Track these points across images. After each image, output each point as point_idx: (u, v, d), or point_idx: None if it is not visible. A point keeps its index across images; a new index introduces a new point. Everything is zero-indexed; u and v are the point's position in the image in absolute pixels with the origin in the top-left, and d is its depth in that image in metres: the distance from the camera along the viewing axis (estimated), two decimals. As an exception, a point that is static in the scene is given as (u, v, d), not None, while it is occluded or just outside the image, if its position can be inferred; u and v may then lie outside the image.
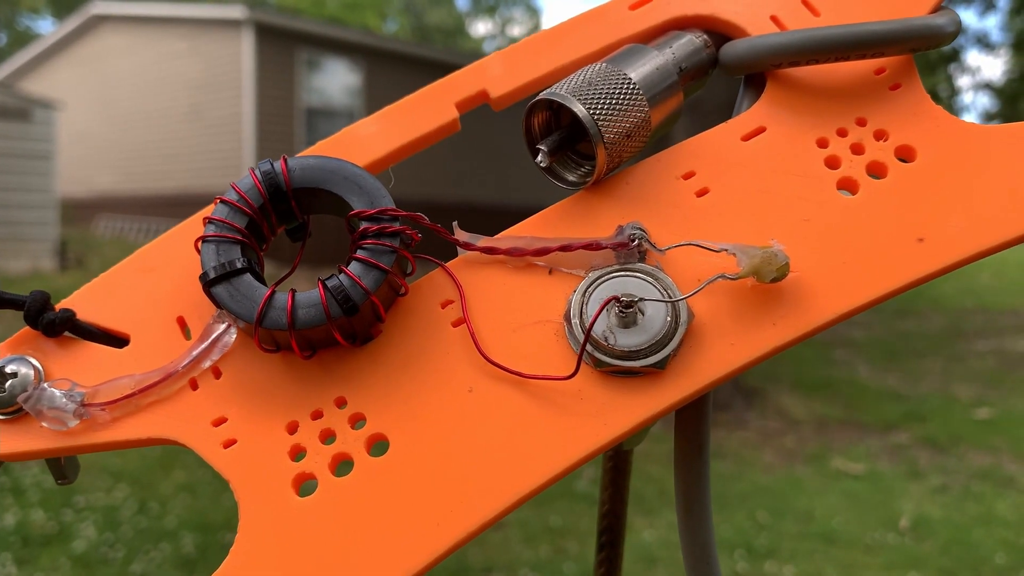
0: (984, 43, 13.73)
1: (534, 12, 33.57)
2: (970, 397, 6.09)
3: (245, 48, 11.16)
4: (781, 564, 3.41)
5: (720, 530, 3.70)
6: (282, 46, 11.44)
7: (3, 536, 3.27)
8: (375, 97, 12.25)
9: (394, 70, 12.49)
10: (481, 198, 12.85)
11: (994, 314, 10.16)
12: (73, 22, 14.23)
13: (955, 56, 13.79)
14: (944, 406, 5.82)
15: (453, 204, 11.41)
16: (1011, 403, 5.91)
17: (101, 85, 13.77)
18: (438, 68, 12.87)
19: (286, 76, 11.52)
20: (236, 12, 11.19)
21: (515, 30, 32.72)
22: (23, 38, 24.19)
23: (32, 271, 8.81)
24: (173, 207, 12.28)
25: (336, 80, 12.23)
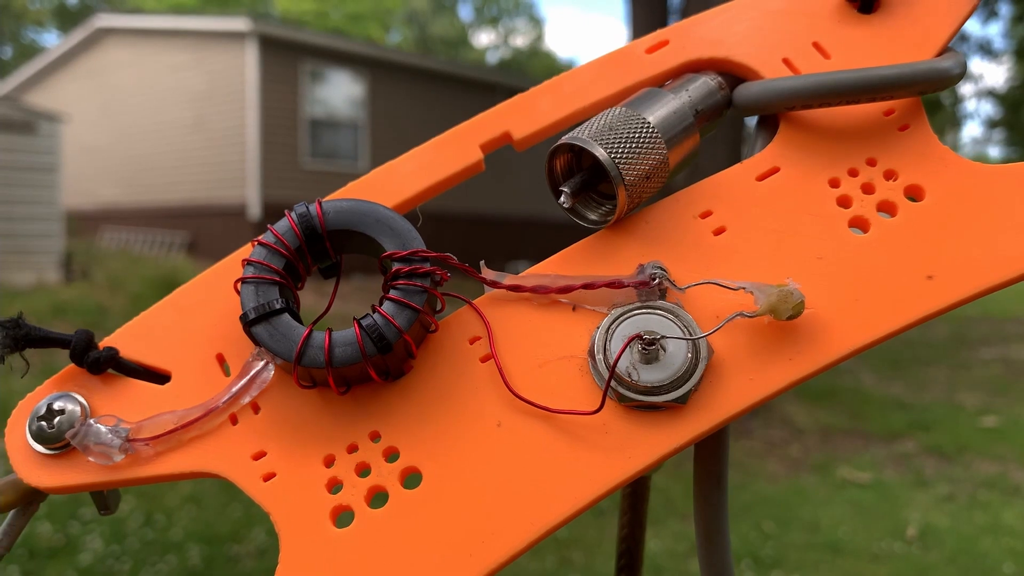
0: (987, 51, 13.75)
1: (537, 23, 33.69)
2: (976, 405, 6.09)
3: (249, 60, 11.21)
4: (787, 574, 3.41)
5: (726, 540, 3.70)
6: (286, 58, 11.49)
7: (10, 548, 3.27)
8: (378, 108, 12.30)
9: (397, 81, 12.54)
10: (488, 209, 12.88)
11: (999, 322, 10.17)
12: (78, 35, 14.31)
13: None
14: (950, 414, 5.82)
15: (461, 215, 11.45)
16: (1017, 411, 5.92)
17: (106, 98, 13.83)
18: (441, 79, 12.92)
19: (290, 87, 11.57)
20: (240, 24, 11.25)
21: (518, 40, 32.80)
22: (28, 51, 24.30)
23: (37, 283, 8.83)
24: (178, 218, 12.33)
25: (340, 91, 12.28)
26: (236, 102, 11.47)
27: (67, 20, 24.50)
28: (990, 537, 3.80)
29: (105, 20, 13.75)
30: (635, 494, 0.60)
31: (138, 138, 13.28)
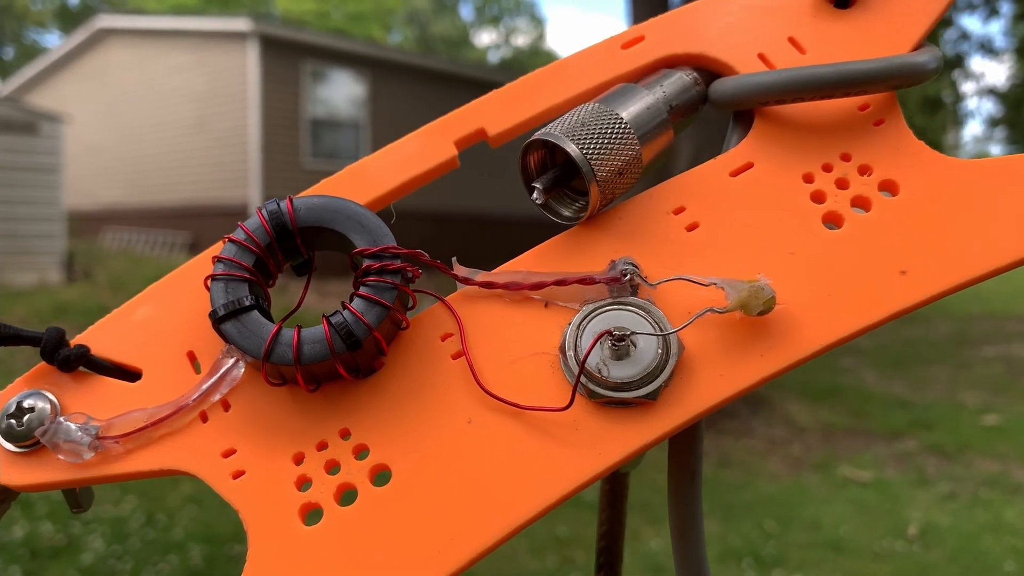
0: (988, 49, 13.73)
1: (538, 22, 33.68)
2: (977, 404, 6.08)
3: (250, 60, 11.22)
4: (789, 573, 3.41)
5: (727, 539, 3.70)
6: (287, 58, 11.50)
7: (12, 549, 3.28)
8: (380, 108, 12.30)
9: (399, 81, 12.54)
10: (484, 209, 12.88)
11: (1001, 320, 10.15)
12: (80, 36, 14.33)
13: (959, 62, 13.79)
14: (951, 413, 5.81)
15: (457, 215, 11.44)
16: (1018, 410, 5.91)
17: (108, 98, 13.86)
18: (442, 79, 12.92)
19: (291, 88, 11.58)
20: (241, 24, 11.26)
21: (519, 40, 32.79)
22: (30, 52, 24.34)
23: (39, 284, 8.85)
24: (179, 219, 12.34)
25: (341, 91, 12.28)
26: (237, 102, 11.48)
27: (69, 21, 24.54)
28: (991, 536, 3.79)
29: (107, 21, 13.77)
30: (613, 491, 0.59)
31: (140, 138, 13.30)
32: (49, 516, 3.59)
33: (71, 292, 8.27)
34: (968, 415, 5.79)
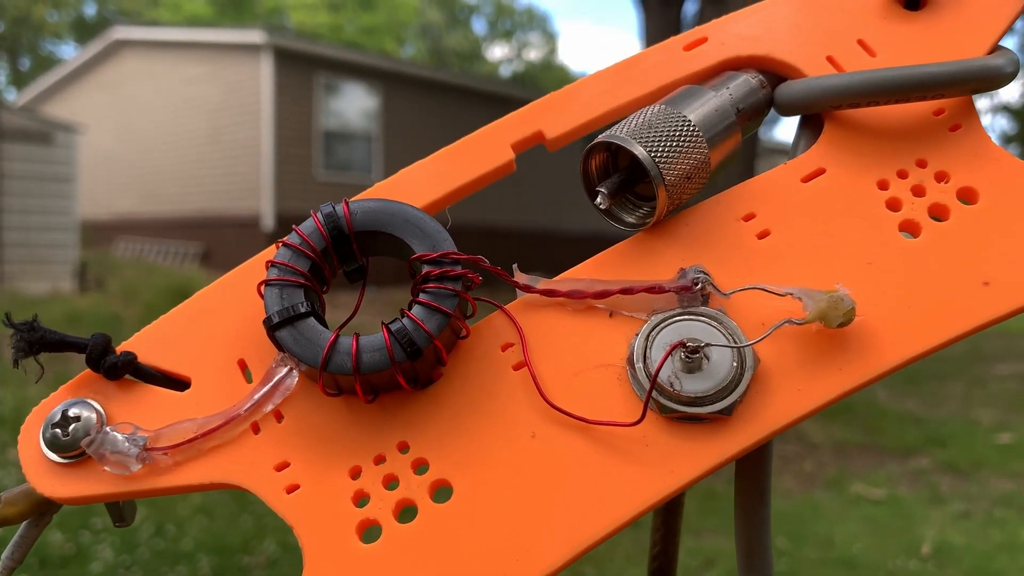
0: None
1: (551, 36, 33.75)
2: (992, 421, 6.03)
3: (264, 72, 11.26)
4: (803, 591, 3.37)
5: (741, 556, 3.66)
6: (301, 70, 11.54)
7: (22, 558, 3.27)
8: (392, 120, 12.33)
9: (411, 94, 12.57)
10: (501, 221, 12.87)
11: (1015, 337, 10.08)
12: (95, 47, 14.42)
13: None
14: (965, 430, 5.76)
15: (474, 226, 11.43)
16: (1034, 428, 5.85)
17: (122, 109, 13.93)
18: (455, 92, 12.95)
19: (304, 100, 11.61)
20: (255, 37, 11.31)
21: (532, 54, 32.89)
22: (46, 63, 24.51)
23: (52, 293, 8.87)
24: (192, 229, 12.38)
25: (354, 104, 12.32)
26: (251, 114, 11.52)
27: (85, 32, 24.71)
28: (1006, 555, 3.74)
29: (122, 32, 13.85)
30: (668, 509, 0.57)
31: (153, 149, 13.36)
32: (59, 525, 3.57)
33: (84, 301, 8.28)
34: (982, 432, 5.73)
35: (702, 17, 7.61)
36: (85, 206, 11.79)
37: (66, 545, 3.42)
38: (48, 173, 9.54)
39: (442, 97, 12.84)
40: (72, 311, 7.45)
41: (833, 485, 4.70)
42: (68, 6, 26.20)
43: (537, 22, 32.67)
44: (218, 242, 11.92)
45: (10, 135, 9.15)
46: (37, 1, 24.05)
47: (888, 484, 4.72)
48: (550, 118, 0.51)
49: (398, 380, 0.42)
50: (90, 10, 27.54)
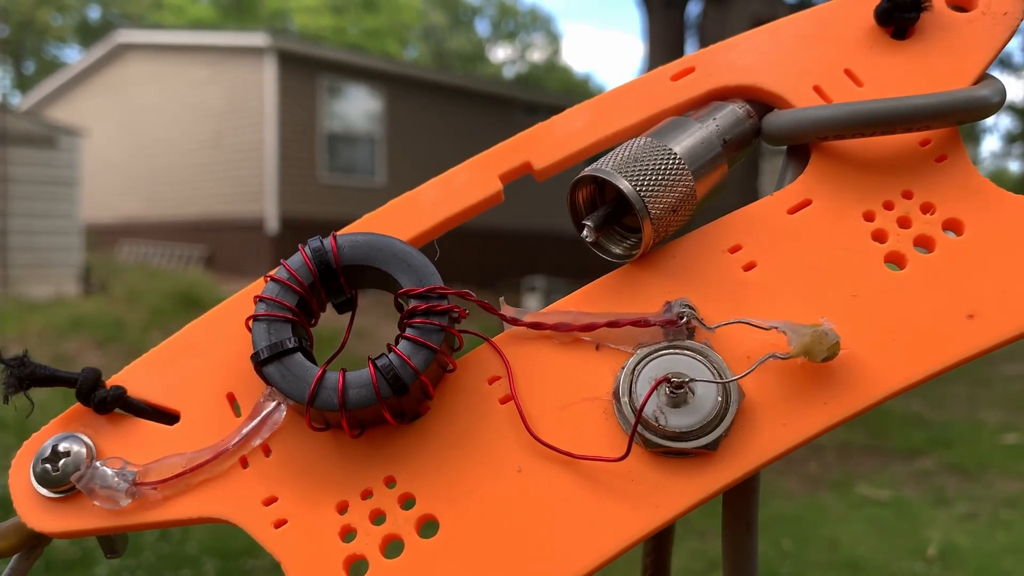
0: (1006, 64, 13.67)
1: (554, 38, 33.73)
2: (997, 422, 6.01)
3: (268, 75, 11.28)
4: (807, 594, 3.37)
5: (745, 560, 3.66)
6: (304, 73, 11.55)
7: (28, 564, 3.28)
8: (396, 123, 12.34)
9: (415, 96, 12.58)
10: (503, 224, 12.87)
11: (1021, 339, 10.04)
12: (99, 51, 14.45)
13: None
14: (971, 431, 5.74)
15: (475, 230, 11.43)
16: (1040, 429, 5.84)
17: (126, 112, 13.96)
18: (458, 94, 12.94)
19: (308, 103, 11.62)
20: (259, 40, 11.32)
21: (535, 55, 32.87)
22: (50, 67, 24.56)
23: (56, 296, 8.89)
24: (196, 232, 12.40)
25: (357, 106, 12.33)
26: (254, 117, 11.53)
27: (88, 36, 24.76)
28: (1013, 557, 3.73)
29: (126, 36, 13.87)
30: (660, 533, 0.57)
31: (157, 152, 13.38)
32: (65, 531, 3.58)
33: (88, 305, 8.29)
34: (988, 433, 5.72)
35: (705, 19, 7.59)
36: (89, 210, 11.82)
37: (71, 549, 3.43)
38: (52, 177, 9.57)
39: (445, 99, 12.85)
40: (76, 315, 7.46)
41: (838, 487, 4.69)
42: (72, 10, 26.26)
43: (541, 23, 32.67)
44: (222, 245, 11.94)
45: (14, 139, 9.18)
46: (41, 5, 24.11)
47: (893, 486, 4.71)
48: (538, 149, 0.51)
49: (384, 415, 0.43)
50: (94, 14, 27.61)
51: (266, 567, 3.39)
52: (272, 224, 11.17)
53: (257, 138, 11.48)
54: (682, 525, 3.86)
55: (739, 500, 0.47)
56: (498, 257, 11.96)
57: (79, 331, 7.01)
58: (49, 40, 26.83)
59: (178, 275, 10.71)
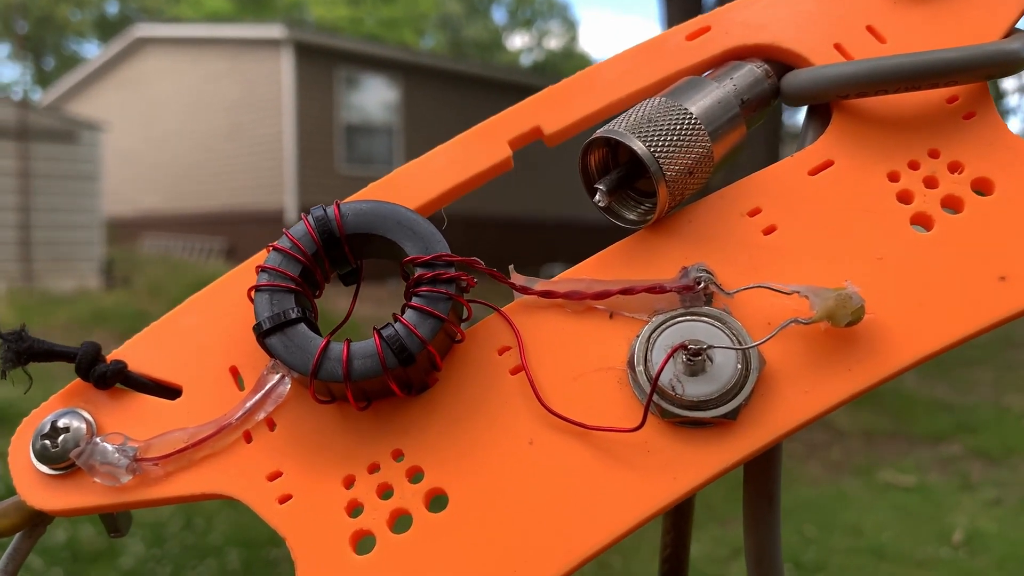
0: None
1: (571, 25, 33.59)
2: (1023, 407, 5.95)
3: (285, 67, 11.29)
4: (831, 580, 3.34)
5: (768, 546, 3.63)
6: (321, 64, 11.55)
7: (54, 552, 3.31)
8: (413, 112, 12.33)
9: (432, 85, 12.56)
10: (521, 211, 12.84)
11: (1046, 321, 9.92)
12: (117, 45, 14.52)
13: None
14: (996, 417, 5.68)
15: (494, 218, 11.42)
16: (1066, 413, 5.77)
17: (145, 106, 14.02)
18: (475, 83, 12.92)
19: (325, 94, 11.63)
20: (276, 32, 11.33)
21: (552, 43, 32.75)
22: (70, 62, 24.72)
23: (78, 290, 8.95)
24: (216, 225, 12.46)
25: (374, 97, 12.32)
26: (272, 109, 11.56)
27: (107, 31, 24.87)
28: (1040, 542, 3.69)
29: (143, 30, 13.94)
30: (679, 511, 0.56)
31: (177, 146, 13.44)
32: (90, 520, 3.61)
33: (110, 298, 8.35)
34: (1013, 418, 5.66)
35: (721, 4, 7.52)
36: (110, 204, 11.90)
37: (97, 540, 3.46)
38: (73, 171, 9.64)
39: (463, 88, 12.81)
40: (98, 308, 7.52)
41: (861, 473, 4.65)
42: (91, 5, 26.41)
43: (557, 10, 32.51)
44: (242, 237, 11.99)
45: (36, 134, 9.24)
46: (60, 1, 24.26)
47: (918, 471, 4.67)
48: (548, 113, 0.49)
49: (391, 387, 0.41)
50: (112, 8, 27.74)
51: (289, 556, 3.40)
52: (291, 216, 11.19)
53: (275, 130, 11.51)
54: (704, 511, 3.84)
55: (760, 473, 0.46)
56: (516, 245, 11.91)
57: (102, 324, 7.06)
58: (68, 36, 27.00)
59: (199, 267, 10.77)
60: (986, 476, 4.59)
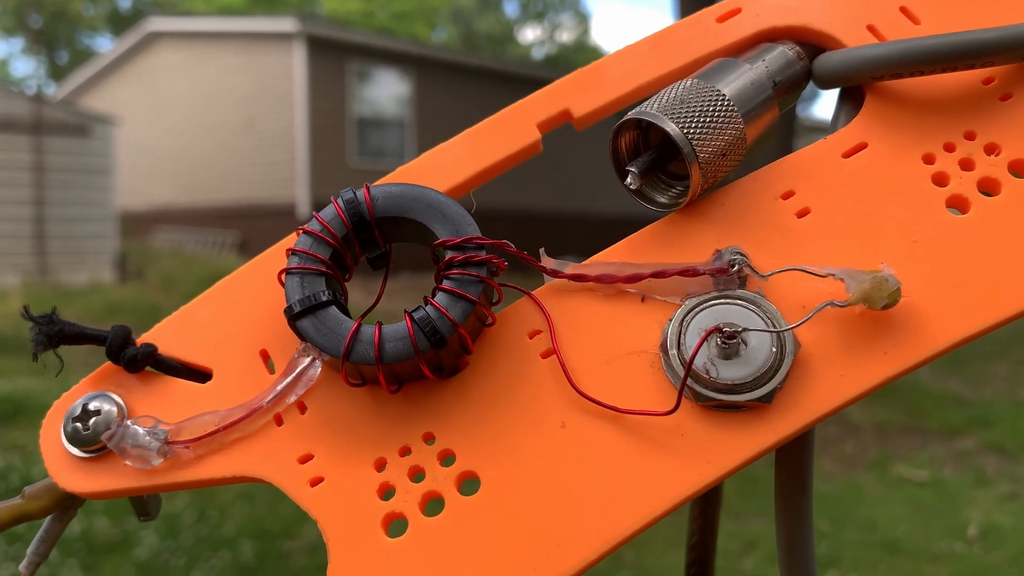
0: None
1: (583, 18, 33.48)
2: (1039, 402, 5.92)
3: (297, 61, 11.30)
4: (844, 574, 3.33)
5: (782, 540, 3.62)
6: (333, 58, 11.56)
7: (69, 543, 3.33)
8: (425, 106, 12.32)
9: (443, 79, 12.55)
10: (535, 205, 12.83)
11: (1061, 315, 9.85)
12: (130, 39, 14.56)
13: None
14: (1011, 411, 5.65)
15: (507, 211, 11.40)
16: (1082, 407, 5.73)
17: (158, 100, 14.07)
18: (487, 76, 12.91)
19: (337, 87, 11.64)
20: (288, 25, 11.35)
21: (564, 35, 32.67)
22: (83, 56, 24.80)
23: (92, 283, 9.00)
24: (228, 219, 12.50)
25: (386, 90, 12.33)
26: (284, 102, 11.58)
27: (120, 25, 24.95)
28: (1056, 538, 3.67)
29: (156, 24, 13.98)
30: (706, 499, 0.56)
31: (189, 139, 13.48)
32: (105, 511, 3.63)
33: (123, 291, 8.39)
34: (1029, 413, 5.63)
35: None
36: (123, 197, 11.96)
37: (112, 531, 3.48)
38: (87, 165, 9.68)
39: (474, 81, 12.80)
40: (112, 302, 7.56)
41: (875, 467, 4.64)
42: (104, -1, 26.50)
43: (569, 3, 32.40)
44: (255, 231, 12.02)
45: (50, 128, 9.29)
46: (73, -5, 24.34)
47: (932, 466, 4.65)
48: (577, 96, 0.49)
49: (422, 370, 0.41)
50: (125, 2, 27.83)
51: (303, 548, 3.42)
52: (304, 209, 11.22)
53: (287, 124, 11.53)
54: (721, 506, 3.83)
55: (793, 457, 0.45)
56: (532, 239, 11.88)
57: (116, 317, 7.10)
58: (81, 30, 27.10)
59: (212, 261, 10.80)
60: (1001, 471, 4.57)
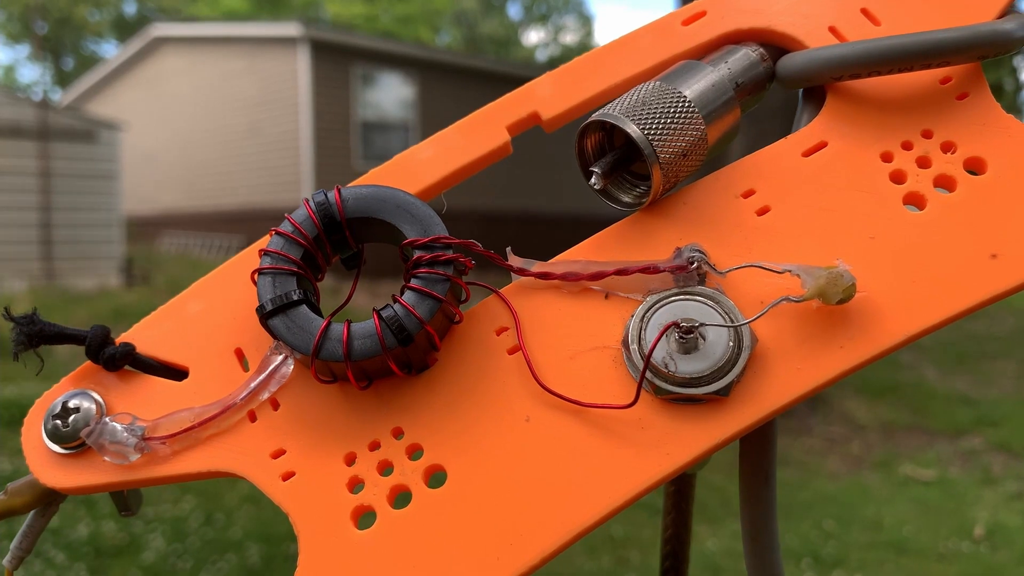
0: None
1: (586, 20, 33.50)
2: (1045, 401, 5.90)
3: (301, 65, 11.33)
4: (850, 574, 3.33)
5: (786, 539, 3.63)
6: (337, 62, 11.58)
7: (77, 547, 3.35)
8: (429, 109, 12.34)
9: (448, 82, 12.56)
10: (538, 207, 12.84)
11: (1068, 313, 9.83)
12: (135, 45, 14.61)
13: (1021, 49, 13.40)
14: (1018, 410, 5.64)
15: (508, 214, 11.42)
16: (1088, 406, 5.71)
17: (163, 105, 14.11)
18: (491, 79, 12.92)
19: (342, 91, 11.66)
20: (292, 29, 11.37)
21: (568, 38, 32.67)
22: (88, 62, 24.91)
23: (99, 288, 9.04)
24: (234, 223, 12.52)
25: (391, 94, 12.34)
26: (289, 107, 11.60)
27: (125, 31, 25.05)
28: (1063, 536, 3.66)
29: (161, 30, 14.02)
30: (679, 492, 0.57)
31: (195, 144, 13.52)
32: (112, 515, 3.65)
33: (130, 296, 8.43)
34: (1036, 412, 5.61)
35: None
36: (129, 202, 11.99)
37: (119, 535, 3.49)
38: (93, 171, 9.72)
39: (478, 84, 12.81)
40: (119, 306, 7.58)
41: (881, 467, 4.63)
42: (109, 5, 26.60)
43: (573, 5, 32.41)
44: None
45: (56, 134, 9.33)
46: (79, 1, 24.44)
47: (938, 465, 4.64)
48: (546, 98, 0.50)
49: (390, 366, 0.42)
50: (130, 8, 27.93)
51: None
52: (309, 213, 11.21)
53: (292, 128, 11.55)
54: (722, 507, 3.83)
55: (755, 450, 0.46)
56: (534, 241, 11.90)
57: (123, 322, 7.11)
58: (87, 36, 27.20)
59: (218, 265, 10.82)
60: (1008, 470, 4.56)
